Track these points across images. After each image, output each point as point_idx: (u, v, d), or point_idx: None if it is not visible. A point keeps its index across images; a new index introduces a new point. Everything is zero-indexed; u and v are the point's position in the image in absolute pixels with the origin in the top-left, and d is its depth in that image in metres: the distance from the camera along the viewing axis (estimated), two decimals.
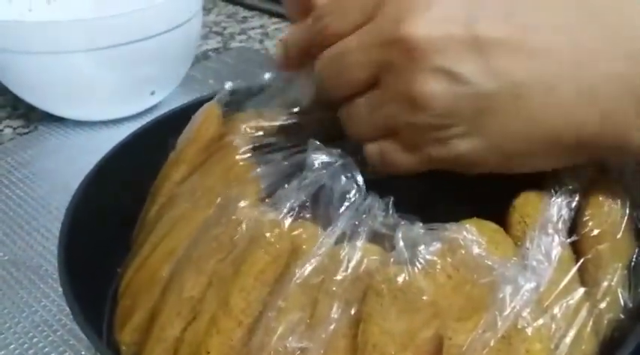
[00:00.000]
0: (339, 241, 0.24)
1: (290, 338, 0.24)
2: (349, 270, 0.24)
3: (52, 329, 0.36)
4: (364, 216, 0.25)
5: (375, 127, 0.27)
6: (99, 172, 0.37)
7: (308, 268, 0.24)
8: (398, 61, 0.24)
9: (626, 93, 0.23)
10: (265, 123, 0.33)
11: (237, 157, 0.29)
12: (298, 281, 0.24)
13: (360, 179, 0.26)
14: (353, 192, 0.25)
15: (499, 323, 0.23)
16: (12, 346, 0.35)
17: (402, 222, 0.24)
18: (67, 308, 0.36)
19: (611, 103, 0.24)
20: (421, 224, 0.24)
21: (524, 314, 0.24)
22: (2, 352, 0.35)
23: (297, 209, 0.25)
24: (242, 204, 0.26)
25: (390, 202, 0.25)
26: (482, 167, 0.26)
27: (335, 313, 0.24)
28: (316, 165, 0.26)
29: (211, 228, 0.27)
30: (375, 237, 0.25)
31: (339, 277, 0.24)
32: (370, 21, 0.25)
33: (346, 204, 0.25)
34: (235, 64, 0.69)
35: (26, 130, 0.57)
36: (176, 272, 0.27)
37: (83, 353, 0.34)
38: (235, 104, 0.35)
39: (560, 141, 0.25)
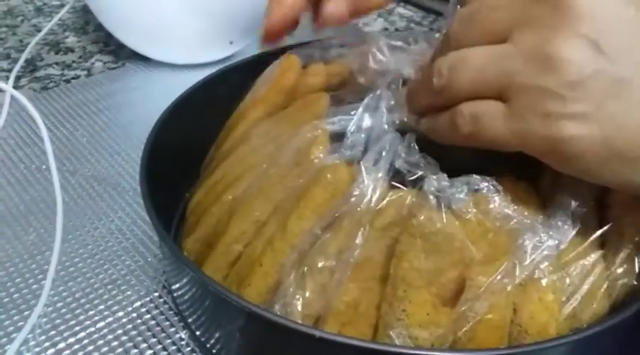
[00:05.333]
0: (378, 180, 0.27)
1: (334, 263, 0.27)
2: (390, 212, 0.27)
3: (125, 237, 0.41)
4: (386, 150, 0.27)
5: (483, 82, 0.25)
6: (177, 108, 0.41)
7: (355, 207, 0.27)
8: (543, 16, 0.23)
9: None
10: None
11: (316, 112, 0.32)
12: (347, 217, 0.27)
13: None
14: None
15: (517, 271, 0.26)
16: (89, 246, 0.40)
17: (423, 161, 0.27)
18: (139, 220, 0.42)
19: None
20: (445, 175, 0.27)
21: (542, 266, 0.26)
22: (81, 250, 0.40)
23: (354, 154, 0.29)
24: (314, 151, 0.29)
25: (413, 140, 0.28)
26: (577, 161, 0.24)
27: (374, 247, 0.27)
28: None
29: (283, 165, 0.30)
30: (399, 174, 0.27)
31: (380, 218, 0.27)
32: None
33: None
34: (309, 24, 0.72)
35: (115, 66, 0.62)
36: (245, 198, 0.31)
37: (150, 259, 0.39)
38: (309, 57, 0.38)
39: None
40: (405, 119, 0.31)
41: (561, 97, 0.23)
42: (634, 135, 0.23)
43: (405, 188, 0.27)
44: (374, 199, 0.27)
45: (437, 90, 0.26)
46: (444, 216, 0.26)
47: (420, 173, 0.27)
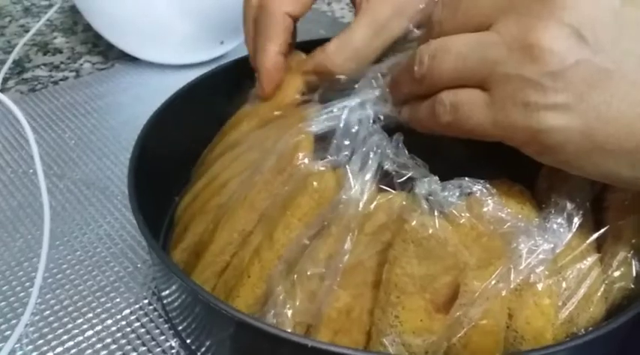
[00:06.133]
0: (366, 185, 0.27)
1: (323, 270, 0.26)
2: (380, 217, 0.26)
3: (114, 242, 0.40)
4: (374, 152, 0.27)
5: (464, 70, 0.24)
6: (167, 109, 0.40)
7: (344, 213, 0.26)
8: (527, 4, 0.23)
9: None
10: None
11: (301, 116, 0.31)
12: (336, 223, 0.27)
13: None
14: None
15: (512, 276, 0.25)
16: (78, 252, 0.39)
17: (412, 162, 0.27)
18: (129, 226, 0.41)
19: None
20: (436, 177, 0.26)
21: (538, 270, 0.26)
22: (69, 256, 0.39)
23: (341, 160, 0.28)
24: (298, 155, 0.28)
25: (400, 141, 0.27)
26: (557, 152, 0.23)
27: (365, 252, 0.26)
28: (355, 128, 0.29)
29: (267, 171, 0.29)
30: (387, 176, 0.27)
31: (370, 222, 0.26)
32: None
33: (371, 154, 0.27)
34: (301, 23, 0.71)
35: (104, 66, 0.61)
36: (230, 207, 0.30)
37: (139, 265, 0.38)
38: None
39: None
40: (390, 112, 0.30)
41: (542, 87, 0.22)
42: (616, 127, 0.22)
43: (393, 191, 0.27)
44: (362, 203, 0.26)
45: (418, 78, 0.26)
46: (436, 220, 0.26)
47: (409, 174, 0.27)
